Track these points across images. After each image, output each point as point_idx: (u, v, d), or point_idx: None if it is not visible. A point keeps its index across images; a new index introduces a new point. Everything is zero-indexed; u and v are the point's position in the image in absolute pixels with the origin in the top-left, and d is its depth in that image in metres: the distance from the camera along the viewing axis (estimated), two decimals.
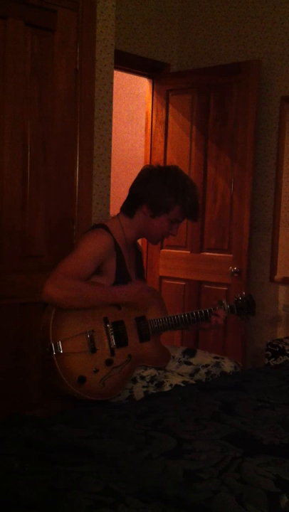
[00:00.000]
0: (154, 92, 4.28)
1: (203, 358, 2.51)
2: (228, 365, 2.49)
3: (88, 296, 2.19)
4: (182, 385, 2.20)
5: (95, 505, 1.18)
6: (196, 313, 2.45)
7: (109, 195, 3.13)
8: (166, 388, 2.20)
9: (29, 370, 2.84)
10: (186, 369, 2.46)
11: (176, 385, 2.20)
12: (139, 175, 2.41)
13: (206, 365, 2.47)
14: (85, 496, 1.21)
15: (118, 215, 2.43)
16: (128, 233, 2.39)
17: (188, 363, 2.48)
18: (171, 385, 2.20)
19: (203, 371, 2.45)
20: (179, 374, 2.34)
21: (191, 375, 2.44)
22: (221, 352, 3.92)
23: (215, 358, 2.52)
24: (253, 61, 3.73)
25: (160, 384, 2.22)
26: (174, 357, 2.50)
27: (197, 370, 2.45)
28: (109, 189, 3.14)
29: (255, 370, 2.51)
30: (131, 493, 1.26)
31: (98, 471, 1.34)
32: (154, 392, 2.20)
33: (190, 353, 2.54)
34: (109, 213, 3.13)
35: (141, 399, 2.10)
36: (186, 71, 4.22)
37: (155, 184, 2.31)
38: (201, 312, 2.45)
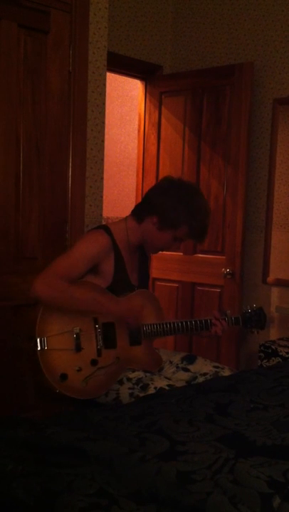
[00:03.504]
0: (147, 94, 4.29)
1: (202, 366, 2.45)
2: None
3: (76, 301, 2.20)
4: (167, 388, 2.18)
5: (89, 507, 1.18)
6: (194, 322, 2.40)
7: (102, 196, 3.14)
8: (151, 391, 2.18)
9: (24, 372, 2.84)
10: (183, 376, 2.41)
11: (161, 388, 2.18)
12: (159, 183, 2.41)
13: (205, 374, 2.40)
14: (79, 497, 1.21)
15: (127, 217, 2.41)
16: (132, 237, 2.37)
17: (186, 370, 2.43)
18: (155, 388, 2.19)
19: (200, 379, 2.38)
20: (165, 377, 2.31)
21: (188, 382, 2.38)
22: (214, 354, 3.93)
23: (215, 367, 2.45)
24: (246, 63, 3.74)
25: (145, 386, 2.22)
26: (172, 362, 2.47)
27: (194, 378, 2.39)
28: (102, 191, 3.14)
29: (249, 371, 2.51)
30: (125, 495, 1.26)
31: (92, 473, 1.34)
32: (140, 394, 2.20)
33: (190, 359, 2.48)
34: (102, 215, 3.14)
35: (135, 401, 2.10)
36: (179, 73, 4.23)
37: (171, 198, 2.29)
38: (199, 322, 2.40)
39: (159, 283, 4.27)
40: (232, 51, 4.04)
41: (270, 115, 3.86)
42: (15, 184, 2.77)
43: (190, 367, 2.44)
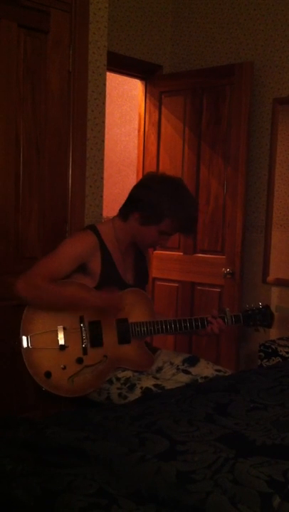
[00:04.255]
0: (147, 94, 4.29)
1: (203, 368, 2.41)
2: None
3: (56, 298, 2.23)
4: (153, 388, 2.18)
5: (88, 506, 1.18)
6: (188, 321, 2.37)
7: (102, 196, 3.13)
8: (138, 391, 2.18)
9: (24, 372, 2.83)
10: (183, 378, 2.38)
11: (147, 388, 2.18)
12: (141, 180, 2.41)
13: (206, 377, 2.37)
14: (78, 497, 1.21)
15: (114, 217, 2.43)
16: (121, 236, 2.38)
17: (187, 372, 2.40)
18: (142, 388, 2.19)
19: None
20: (153, 377, 2.29)
21: (188, 385, 2.34)
22: (214, 353, 3.93)
23: (217, 370, 2.42)
24: (246, 63, 3.74)
25: (132, 386, 2.22)
26: (172, 363, 2.44)
27: (195, 381, 2.36)
28: (102, 190, 3.14)
29: (249, 371, 2.51)
30: (124, 495, 1.26)
31: (92, 473, 1.34)
32: (127, 394, 2.20)
33: (191, 361, 2.45)
34: (102, 215, 3.14)
35: (134, 400, 2.10)
36: (179, 73, 4.23)
37: (151, 193, 2.29)
38: (194, 320, 2.37)
39: (158, 283, 4.27)
40: (232, 51, 4.04)
41: (270, 115, 3.86)
42: (15, 184, 2.77)
43: (191, 369, 2.41)
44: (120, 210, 2.42)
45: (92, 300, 2.25)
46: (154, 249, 2.50)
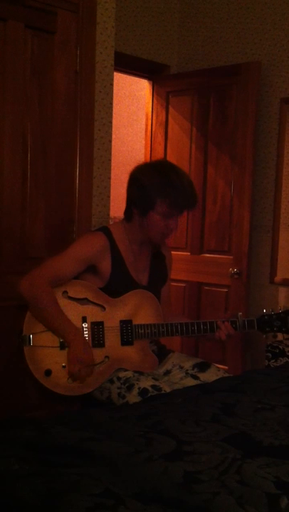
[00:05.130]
0: (154, 94, 4.29)
1: (213, 375, 2.36)
2: None
3: (46, 312, 2.25)
4: (150, 389, 2.17)
5: (94, 507, 1.17)
6: (194, 325, 2.33)
7: (109, 196, 3.13)
8: (135, 391, 2.18)
9: (28, 372, 2.83)
10: (191, 383, 2.33)
11: (145, 389, 2.17)
12: (129, 176, 2.42)
13: None
14: (84, 497, 1.20)
15: (121, 220, 2.44)
16: (132, 236, 2.39)
17: (196, 377, 2.36)
18: (139, 388, 2.18)
19: None
20: (153, 378, 2.26)
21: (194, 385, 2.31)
22: (220, 354, 3.92)
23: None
24: (253, 63, 3.73)
25: (131, 386, 2.21)
26: (182, 367, 2.41)
27: None
28: (110, 191, 3.14)
29: (255, 371, 2.50)
30: (130, 495, 1.25)
31: (98, 473, 1.33)
32: (126, 394, 2.21)
33: (202, 367, 2.40)
34: (109, 215, 3.14)
35: (140, 401, 2.10)
36: (186, 73, 4.23)
37: (137, 182, 2.32)
38: (202, 324, 2.33)
39: None
40: (239, 50, 4.03)
41: (277, 114, 3.84)
42: (21, 184, 2.77)
43: (200, 375, 2.37)
44: (124, 213, 2.43)
45: (69, 339, 2.23)
46: (166, 237, 2.45)
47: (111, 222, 2.85)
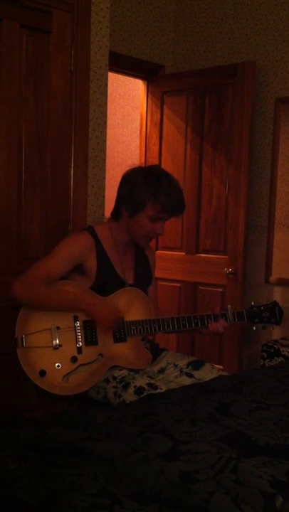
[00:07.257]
0: (149, 94, 4.29)
1: (208, 373, 2.38)
2: None
3: (49, 299, 2.26)
4: (146, 387, 2.18)
5: (91, 506, 1.18)
6: (185, 319, 2.35)
7: (104, 196, 3.14)
8: (131, 390, 2.18)
9: (23, 374, 2.83)
10: (186, 381, 2.36)
11: (140, 387, 2.18)
12: (121, 177, 2.44)
13: None
14: (81, 497, 1.21)
15: (108, 219, 2.48)
16: (117, 236, 2.41)
17: (190, 375, 2.38)
18: (135, 387, 2.19)
19: None
20: (148, 377, 2.28)
21: (190, 384, 2.32)
22: (217, 353, 3.93)
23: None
24: (248, 63, 3.74)
25: (126, 385, 2.22)
26: (176, 366, 2.43)
27: None
28: (104, 190, 3.14)
29: (251, 371, 2.51)
30: (127, 495, 1.26)
31: (95, 473, 1.34)
32: (122, 393, 2.21)
33: (197, 365, 2.42)
34: (104, 214, 3.14)
35: (137, 400, 2.10)
36: (181, 73, 4.23)
37: (128, 183, 2.34)
38: (193, 318, 2.36)
39: (161, 283, 4.26)
40: (234, 50, 4.04)
41: (273, 115, 3.85)
42: (17, 184, 2.77)
43: (195, 373, 2.39)
44: (112, 212, 2.45)
45: (84, 305, 2.27)
46: (150, 240, 2.48)
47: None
